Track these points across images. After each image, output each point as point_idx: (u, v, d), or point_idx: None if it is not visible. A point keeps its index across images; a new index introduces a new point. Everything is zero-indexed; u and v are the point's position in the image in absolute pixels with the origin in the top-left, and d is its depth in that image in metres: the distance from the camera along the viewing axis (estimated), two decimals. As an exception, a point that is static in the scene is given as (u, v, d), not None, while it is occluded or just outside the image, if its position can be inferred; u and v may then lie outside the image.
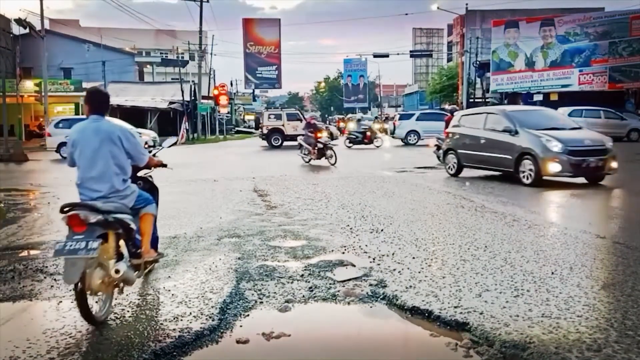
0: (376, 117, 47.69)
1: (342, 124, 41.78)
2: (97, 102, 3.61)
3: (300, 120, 23.24)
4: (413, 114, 25.57)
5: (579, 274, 3.99)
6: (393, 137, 24.89)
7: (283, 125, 23.24)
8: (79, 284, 2.95)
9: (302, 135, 15.32)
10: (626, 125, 23.36)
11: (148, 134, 21.31)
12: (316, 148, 14.09)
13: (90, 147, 3.37)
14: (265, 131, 23.39)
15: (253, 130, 51.89)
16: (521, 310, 3.25)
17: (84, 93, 3.72)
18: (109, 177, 3.35)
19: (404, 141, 23.74)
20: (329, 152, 13.90)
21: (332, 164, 13.72)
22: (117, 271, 3.17)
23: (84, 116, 3.59)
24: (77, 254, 2.89)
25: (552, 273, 4.01)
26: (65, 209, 3.08)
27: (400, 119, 24.96)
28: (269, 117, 23.54)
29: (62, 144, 17.22)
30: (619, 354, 2.66)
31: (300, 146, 14.98)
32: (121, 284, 3.33)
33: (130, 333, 3.05)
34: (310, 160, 14.48)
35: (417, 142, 23.34)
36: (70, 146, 3.48)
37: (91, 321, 3.07)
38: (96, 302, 3.15)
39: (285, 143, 23.18)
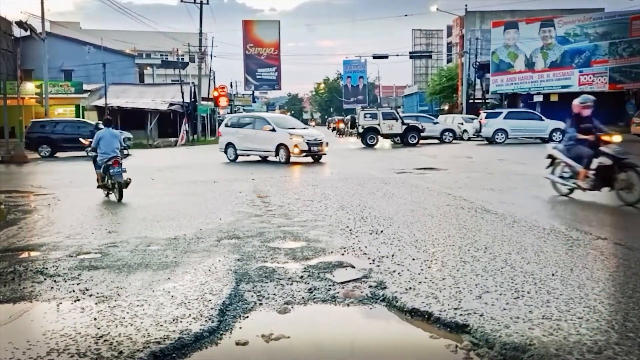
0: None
1: (341, 125, 41.78)
2: (109, 123, 9.74)
3: (397, 120, 23.28)
4: (500, 112, 24.32)
5: (579, 275, 3.98)
6: (478, 136, 23.98)
7: (379, 125, 23.15)
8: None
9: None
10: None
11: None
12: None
13: (109, 137, 9.12)
14: (360, 130, 23.33)
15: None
16: (522, 312, 3.24)
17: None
18: (116, 147, 9.06)
19: (491, 140, 22.87)
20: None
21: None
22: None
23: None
24: (121, 175, 8.62)
25: (553, 274, 4.00)
26: (107, 160, 8.80)
27: (486, 117, 23.76)
28: (365, 117, 23.53)
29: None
30: (620, 356, 2.65)
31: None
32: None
33: (130, 334, 3.04)
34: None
35: (504, 140, 22.61)
36: (99, 139, 9.12)
37: None
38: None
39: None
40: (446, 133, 25.54)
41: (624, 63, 29.82)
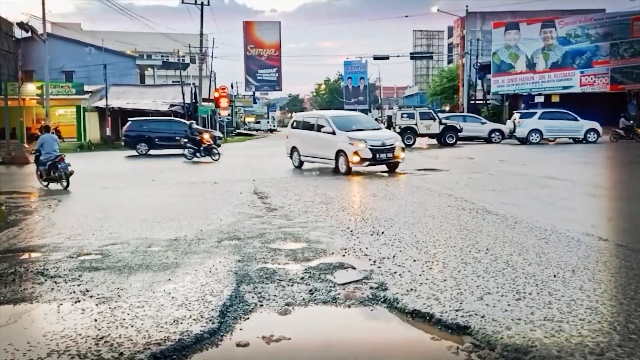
0: (376, 119, 47.68)
1: None
2: (48, 129, 12.20)
3: (434, 119, 23.15)
4: (535, 112, 23.75)
5: (581, 276, 3.97)
6: (513, 136, 23.44)
7: (416, 124, 23.08)
8: None
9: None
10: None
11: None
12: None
13: (50, 141, 11.02)
14: (397, 130, 23.26)
15: (254, 133, 51.98)
16: (523, 314, 3.23)
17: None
18: (56, 148, 10.93)
19: (525, 141, 22.39)
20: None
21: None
22: None
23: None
24: (67, 168, 10.63)
25: (555, 276, 3.99)
26: (54, 158, 10.66)
27: (521, 117, 23.26)
28: (402, 116, 23.48)
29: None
30: (622, 358, 2.64)
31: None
32: None
33: (130, 336, 3.04)
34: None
35: (539, 141, 22.21)
36: (42, 142, 11.03)
37: None
38: None
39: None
40: (495, 133, 24.81)
41: (625, 64, 29.78)
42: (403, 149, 12.34)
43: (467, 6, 38.98)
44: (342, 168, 12.02)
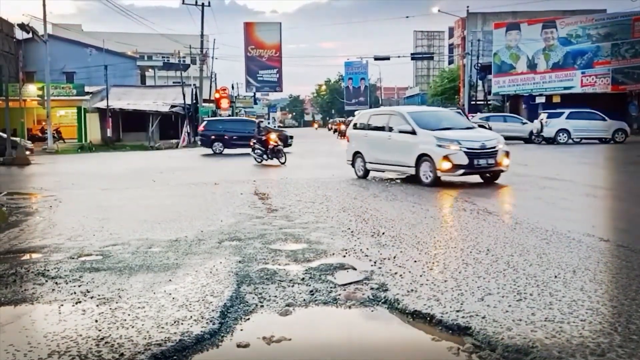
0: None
1: (342, 127, 41.86)
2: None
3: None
4: (562, 112, 23.41)
5: (582, 277, 3.96)
6: (540, 136, 23.01)
7: None
8: None
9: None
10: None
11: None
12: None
13: None
14: None
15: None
16: (524, 314, 3.22)
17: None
18: None
19: (552, 141, 22.15)
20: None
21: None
22: None
23: None
24: None
25: (555, 276, 3.98)
26: None
27: (548, 117, 22.99)
28: None
29: None
30: (623, 359, 2.63)
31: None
32: None
33: (131, 336, 3.04)
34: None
35: (567, 141, 22.04)
36: None
37: None
38: None
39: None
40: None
41: (626, 64, 29.75)
42: (507, 154, 9.65)
43: (467, 7, 39.01)
44: (426, 177, 9.50)
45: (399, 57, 42.39)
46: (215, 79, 43.83)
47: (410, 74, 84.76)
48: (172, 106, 33.25)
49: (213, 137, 22.76)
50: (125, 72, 36.98)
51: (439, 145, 9.33)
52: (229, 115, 40.05)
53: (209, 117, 33.16)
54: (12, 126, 24.15)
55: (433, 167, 9.34)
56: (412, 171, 9.89)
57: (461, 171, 9.28)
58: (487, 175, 9.73)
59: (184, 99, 32.96)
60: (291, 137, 24.42)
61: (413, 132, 9.87)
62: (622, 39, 29.69)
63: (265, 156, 15.88)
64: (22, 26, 23.99)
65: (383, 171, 11.18)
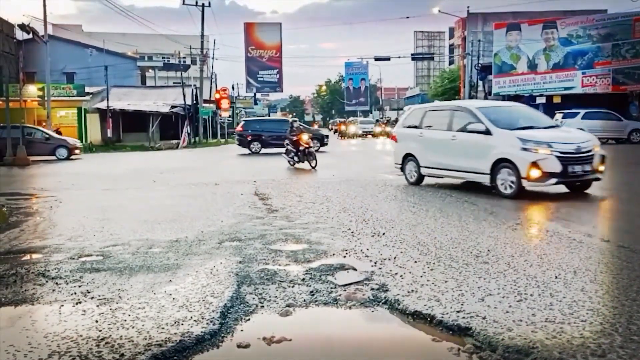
0: (377, 120, 47.71)
1: (342, 127, 41.91)
2: None
3: None
4: (578, 112, 23.03)
5: (583, 278, 3.96)
6: None
7: None
8: None
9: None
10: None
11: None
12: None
13: None
14: None
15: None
16: (524, 315, 3.22)
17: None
18: None
19: None
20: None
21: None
22: None
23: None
24: None
25: (556, 277, 3.98)
26: None
27: (564, 117, 22.28)
28: None
29: None
30: (624, 359, 2.63)
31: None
32: None
33: (131, 337, 3.04)
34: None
35: None
36: None
37: None
38: None
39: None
40: None
41: (627, 65, 29.71)
42: (604, 159, 8.14)
43: (468, 7, 39.00)
44: (508, 187, 7.96)
45: (399, 57, 42.40)
46: (216, 79, 43.87)
47: (411, 74, 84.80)
48: (173, 107, 33.27)
49: (250, 137, 22.92)
50: (125, 72, 37.00)
51: (525, 149, 7.78)
52: (230, 116, 40.12)
53: (209, 117, 33.23)
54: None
55: (517, 174, 7.78)
56: (486, 179, 8.34)
57: (553, 180, 7.71)
58: (577, 184, 8.21)
59: (184, 99, 32.98)
60: (327, 137, 23.98)
61: (487, 132, 8.34)
62: (623, 40, 29.66)
63: (296, 158, 14.59)
64: (23, 27, 23.99)
65: (442, 176, 9.74)
